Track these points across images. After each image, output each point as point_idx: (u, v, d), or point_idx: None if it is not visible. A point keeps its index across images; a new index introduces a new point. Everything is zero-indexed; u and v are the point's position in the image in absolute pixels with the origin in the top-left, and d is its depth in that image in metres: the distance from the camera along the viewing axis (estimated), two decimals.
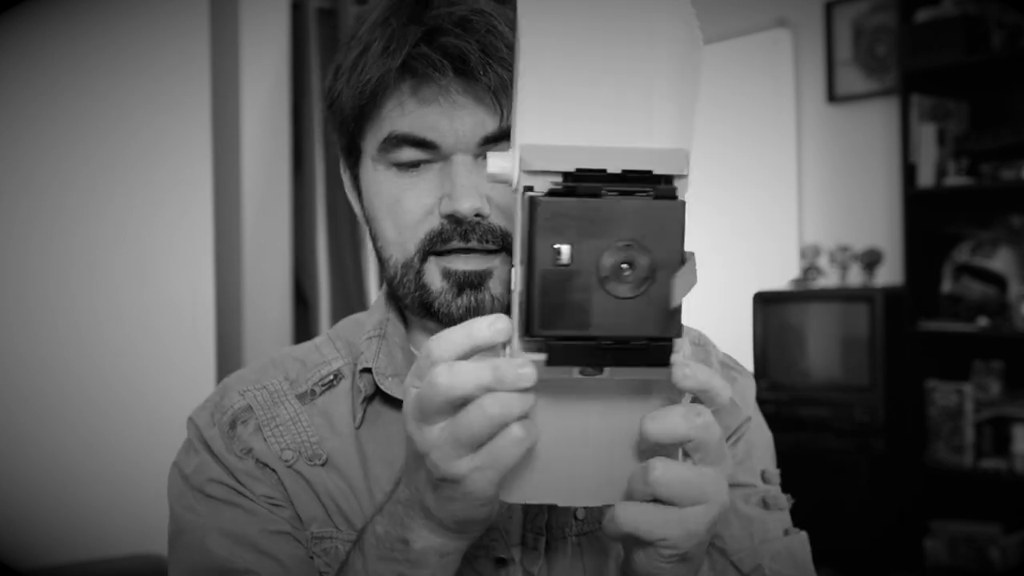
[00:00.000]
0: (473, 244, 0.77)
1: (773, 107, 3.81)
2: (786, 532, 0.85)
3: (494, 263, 0.79)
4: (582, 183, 0.54)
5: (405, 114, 0.77)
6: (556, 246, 0.52)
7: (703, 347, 0.93)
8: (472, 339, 0.56)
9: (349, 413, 0.84)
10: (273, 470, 0.82)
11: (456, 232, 0.77)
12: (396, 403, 0.81)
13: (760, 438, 0.90)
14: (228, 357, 3.40)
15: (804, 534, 0.87)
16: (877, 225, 3.51)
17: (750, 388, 0.93)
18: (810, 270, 3.56)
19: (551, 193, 0.53)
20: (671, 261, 0.54)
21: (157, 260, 3.02)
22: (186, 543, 0.81)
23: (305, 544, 0.81)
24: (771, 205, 3.81)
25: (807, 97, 3.74)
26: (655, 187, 0.55)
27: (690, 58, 0.57)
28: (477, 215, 0.77)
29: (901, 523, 3.16)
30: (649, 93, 0.57)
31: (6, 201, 2.80)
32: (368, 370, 0.83)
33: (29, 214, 2.82)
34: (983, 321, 3.05)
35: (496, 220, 0.78)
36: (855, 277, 3.49)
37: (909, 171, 3.20)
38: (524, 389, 0.54)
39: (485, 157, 0.76)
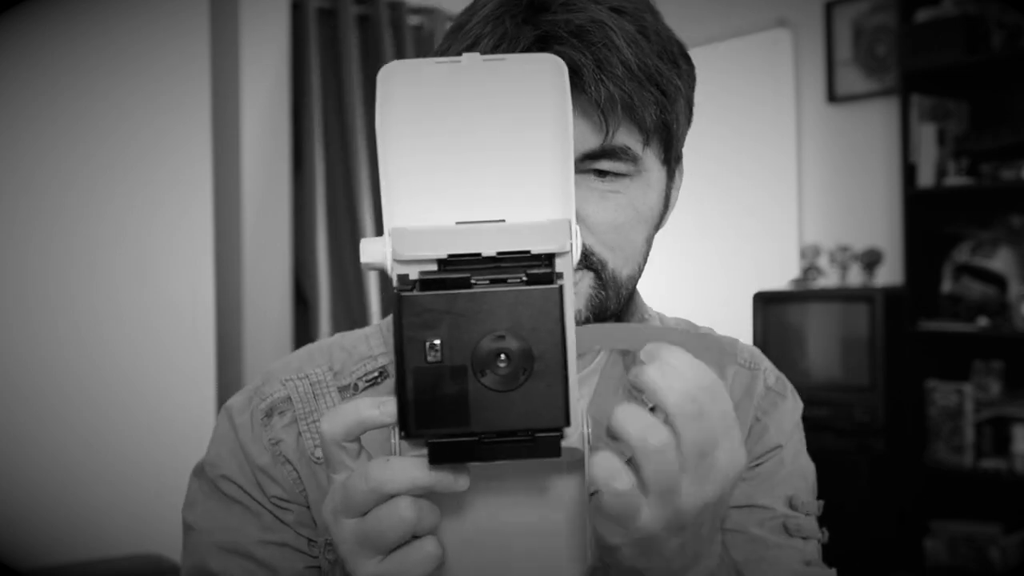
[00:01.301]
0: None
1: (773, 107, 3.81)
2: (808, 564, 0.81)
3: (576, 276, 0.75)
4: (453, 271, 0.51)
5: None
6: (427, 342, 0.50)
7: (752, 371, 0.90)
8: (360, 418, 0.54)
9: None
10: (295, 468, 0.81)
11: None
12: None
13: (794, 464, 0.86)
14: (228, 357, 3.40)
15: (832, 571, 0.82)
16: (877, 225, 3.51)
17: (792, 412, 0.89)
18: (810, 270, 3.56)
19: (421, 284, 0.50)
20: (551, 349, 0.50)
21: (157, 260, 3.02)
22: (192, 542, 0.82)
23: (320, 550, 0.80)
24: (771, 205, 3.81)
25: (807, 97, 3.74)
26: (528, 271, 0.51)
27: (564, 118, 0.55)
28: None
29: (901, 523, 3.16)
30: (526, 161, 0.54)
31: (6, 201, 2.80)
32: None
33: (29, 214, 2.82)
34: (983, 321, 3.05)
35: (584, 238, 0.75)
36: (855, 277, 3.49)
37: (909, 171, 3.20)
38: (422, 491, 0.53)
39: (582, 172, 0.74)
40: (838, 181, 3.67)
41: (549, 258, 0.52)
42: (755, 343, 3.43)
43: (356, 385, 0.83)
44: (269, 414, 0.82)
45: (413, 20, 3.87)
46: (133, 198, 2.99)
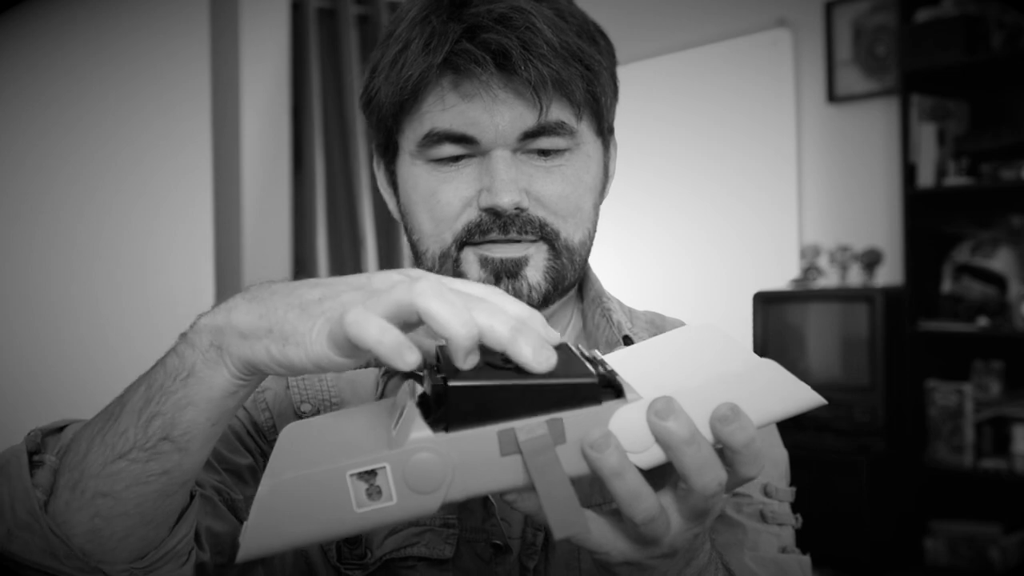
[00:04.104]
0: (512, 235, 0.79)
1: (773, 107, 3.81)
2: (783, 550, 0.84)
3: (530, 250, 0.80)
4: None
5: (446, 109, 0.78)
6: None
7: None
8: (395, 314, 0.52)
9: (373, 384, 0.85)
10: (272, 416, 0.82)
11: (495, 224, 0.79)
12: (416, 380, 0.82)
13: (768, 453, 0.88)
14: None
15: (806, 557, 0.85)
16: (877, 225, 3.51)
17: None
18: (810, 270, 3.56)
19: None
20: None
21: (158, 260, 3.02)
22: None
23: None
24: (771, 205, 3.81)
25: (807, 97, 3.74)
26: None
27: None
28: (516, 208, 0.78)
29: (901, 523, 3.16)
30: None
31: (8, 202, 2.80)
32: None
33: (31, 215, 2.82)
34: (983, 321, 3.05)
35: (535, 211, 0.79)
36: (855, 277, 3.49)
37: (909, 171, 3.20)
38: None
39: (524, 151, 0.79)
40: (838, 181, 3.67)
41: None
42: (755, 343, 3.45)
43: None
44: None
45: None
46: (134, 198, 2.99)
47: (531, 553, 0.80)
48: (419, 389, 0.56)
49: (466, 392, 0.51)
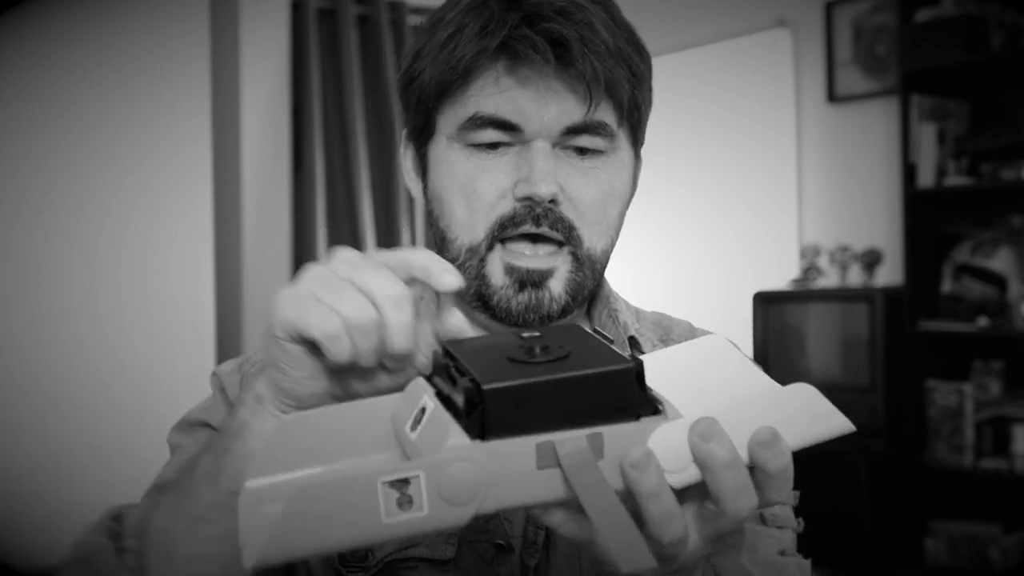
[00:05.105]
0: (544, 230, 0.78)
1: (773, 107, 3.81)
2: (782, 553, 0.83)
3: (556, 261, 0.79)
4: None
5: (498, 92, 0.77)
6: None
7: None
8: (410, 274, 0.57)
9: None
10: None
11: (529, 216, 0.78)
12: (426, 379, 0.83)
13: None
14: (228, 357, 3.39)
15: (806, 562, 0.84)
16: (877, 225, 3.51)
17: None
18: (810, 270, 3.56)
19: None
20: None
21: (158, 260, 3.02)
22: (175, 460, 0.82)
23: None
24: (771, 205, 3.81)
25: (807, 97, 3.74)
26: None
27: None
28: (552, 201, 0.77)
29: (901, 523, 3.16)
30: None
31: (8, 202, 2.80)
32: None
33: (31, 215, 2.82)
34: (983, 321, 3.05)
35: (567, 211, 0.79)
36: (855, 277, 3.49)
37: (909, 171, 3.20)
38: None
39: (563, 147, 0.79)
40: (838, 181, 3.67)
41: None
42: (755, 343, 3.45)
43: None
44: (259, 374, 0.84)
45: (413, 20, 3.87)
46: (134, 198, 2.99)
47: (532, 552, 0.80)
48: (424, 385, 0.54)
49: (502, 394, 0.49)
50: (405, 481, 0.48)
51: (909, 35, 3.19)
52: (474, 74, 0.78)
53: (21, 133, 2.81)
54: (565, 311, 0.81)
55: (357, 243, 3.78)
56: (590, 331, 0.56)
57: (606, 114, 0.79)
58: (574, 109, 0.77)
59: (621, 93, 0.78)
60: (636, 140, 0.85)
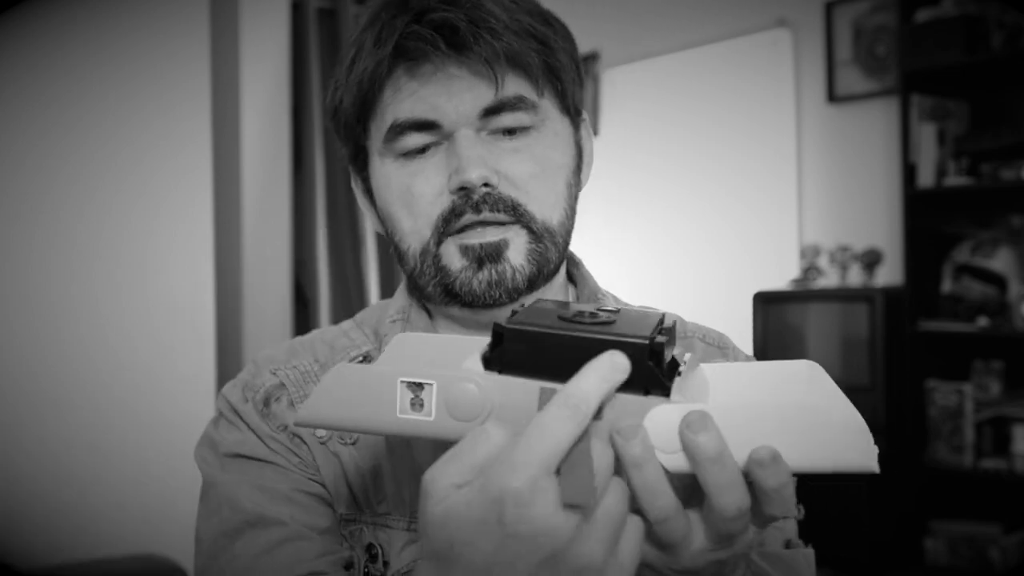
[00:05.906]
0: (485, 215, 0.78)
1: (773, 107, 3.81)
2: (788, 543, 0.83)
3: (509, 233, 0.79)
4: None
5: (405, 97, 0.78)
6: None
7: (721, 349, 0.92)
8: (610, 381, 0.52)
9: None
10: (307, 444, 0.82)
11: (468, 205, 0.78)
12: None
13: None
14: (228, 357, 3.40)
15: (810, 550, 0.84)
16: (877, 225, 3.51)
17: None
18: (810, 270, 3.56)
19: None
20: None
21: (158, 260, 3.02)
22: (216, 494, 0.80)
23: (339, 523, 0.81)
24: (771, 205, 3.81)
25: (807, 97, 3.74)
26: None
27: None
28: (486, 185, 0.77)
29: (901, 523, 3.16)
30: None
31: (8, 202, 2.80)
32: None
33: (31, 215, 2.82)
34: (983, 321, 3.05)
35: (506, 190, 0.79)
36: (855, 277, 3.49)
37: (909, 171, 3.20)
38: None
39: (490, 132, 0.78)
40: (838, 181, 3.67)
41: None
42: (755, 343, 3.44)
43: None
44: (267, 402, 0.83)
45: None
46: (134, 198, 2.99)
47: None
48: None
49: (520, 335, 0.54)
50: (420, 385, 0.55)
51: (909, 35, 3.19)
52: (380, 85, 0.79)
53: (21, 133, 2.80)
54: (532, 284, 0.80)
55: (357, 243, 3.78)
56: (661, 319, 0.58)
57: (520, 87, 0.79)
58: (484, 91, 0.77)
59: (529, 64, 0.78)
60: (567, 107, 0.84)
